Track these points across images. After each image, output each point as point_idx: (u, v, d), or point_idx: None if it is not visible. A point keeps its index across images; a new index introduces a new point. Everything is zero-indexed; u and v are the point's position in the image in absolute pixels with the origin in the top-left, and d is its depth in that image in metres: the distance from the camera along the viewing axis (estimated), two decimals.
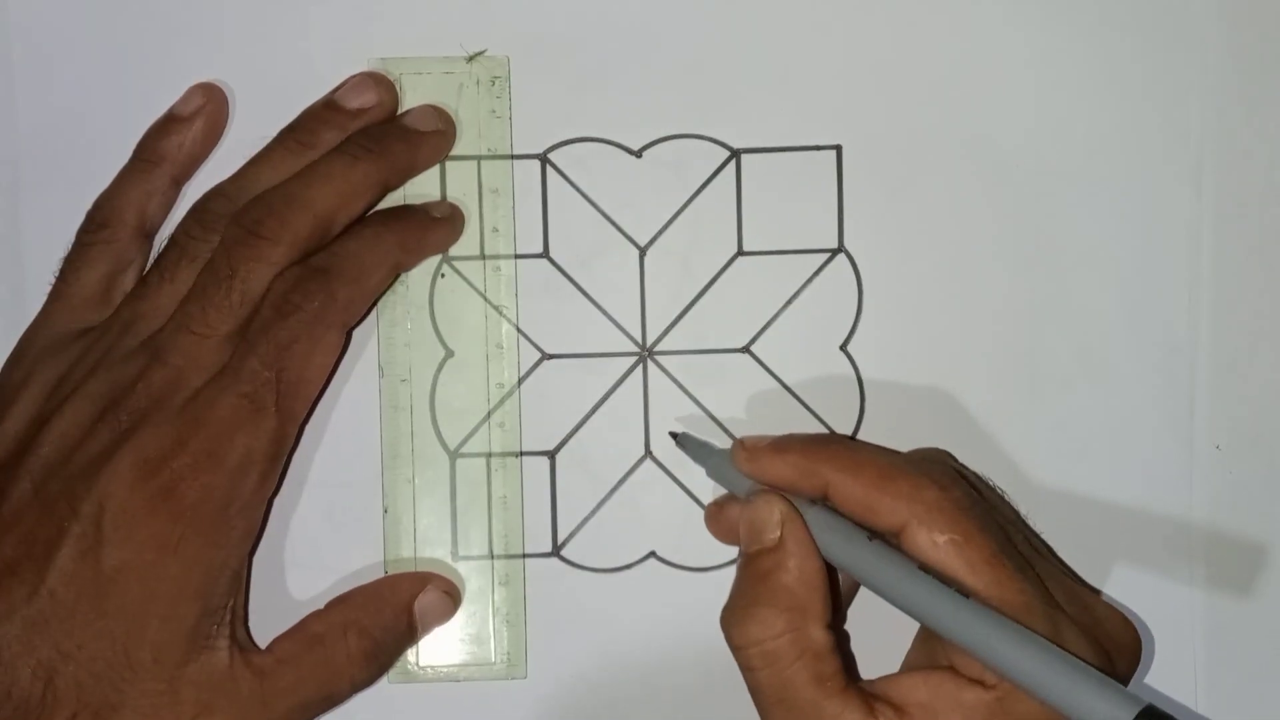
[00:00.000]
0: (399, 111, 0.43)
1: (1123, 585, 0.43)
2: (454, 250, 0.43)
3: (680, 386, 0.44)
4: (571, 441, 0.44)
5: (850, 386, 0.44)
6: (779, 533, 0.38)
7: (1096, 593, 0.42)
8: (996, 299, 0.43)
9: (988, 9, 0.43)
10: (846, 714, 0.37)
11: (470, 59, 0.43)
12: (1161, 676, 0.43)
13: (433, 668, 0.43)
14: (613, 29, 0.43)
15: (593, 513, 0.44)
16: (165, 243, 0.41)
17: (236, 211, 0.40)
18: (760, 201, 0.44)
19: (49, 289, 0.42)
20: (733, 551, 0.43)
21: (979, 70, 0.43)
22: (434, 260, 0.43)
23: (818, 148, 0.44)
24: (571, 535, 0.44)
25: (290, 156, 0.41)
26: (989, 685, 0.36)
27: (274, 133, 0.42)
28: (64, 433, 0.39)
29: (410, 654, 0.43)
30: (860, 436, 0.43)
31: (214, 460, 0.38)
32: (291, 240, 0.39)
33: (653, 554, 0.44)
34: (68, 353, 0.40)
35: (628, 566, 0.44)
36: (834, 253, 0.44)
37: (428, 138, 0.42)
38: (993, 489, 0.42)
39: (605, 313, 0.44)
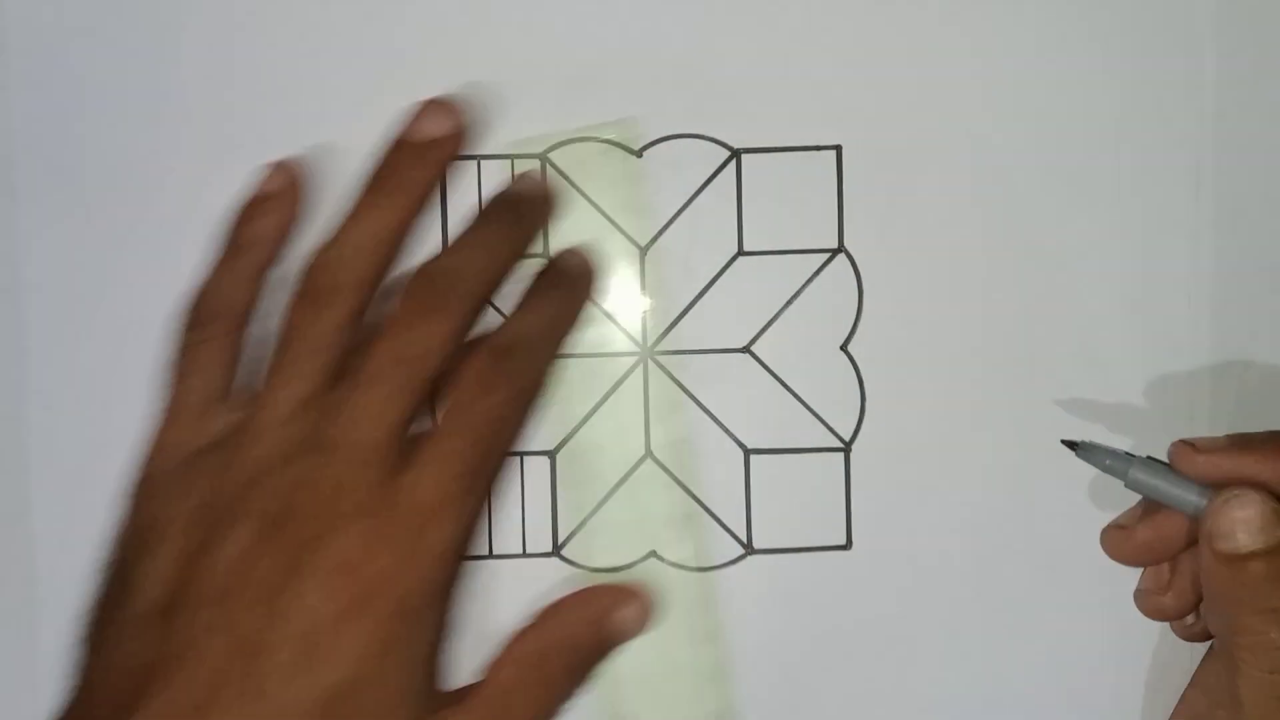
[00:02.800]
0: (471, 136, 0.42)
1: (1123, 585, 0.43)
2: None
3: (680, 386, 0.44)
4: (571, 441, 0.44)
5: (850, 386, 0.44)
6: None
7: None
8: (997, 299, 0.43)
9: (988, 9, 0.43)
10: None
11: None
12: (1163, 676, 0.43)
13: None
14: (613, 29, 0.43)
15: (593, 513, 0.44)
16: (280, 332, 0.38)
17: (402, 294, 0.37)
18: (760, 201, 0.44)
19: (158, 400, 0.40)
20: (733, 552, 0.43)
21: (979, 70, 0.43)
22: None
23: (818, 148, 0.44)
24: (571, 535, 0.44)
25: (382, 212, 0.39)
26: None
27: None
28: (235, 558, 0.35)
29: None
30: (860, 437, 0.43)
31: (417, 552, 0.35)
32: (460, 318, 0.37)
33: (653, 554, 0.44)
34: (202, 473, 0.37)
35: (628, 566, 0.44)
36: (834, 253, 0.44)
37: (550, 198, 0.41)
38: None
39: (605, 313, 0.44)
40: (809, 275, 0.44)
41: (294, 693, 0.34)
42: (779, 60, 0.43)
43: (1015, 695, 0.43)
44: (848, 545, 0.44)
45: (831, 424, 0.44)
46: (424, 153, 0.40)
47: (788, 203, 0.44)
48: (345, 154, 0.43)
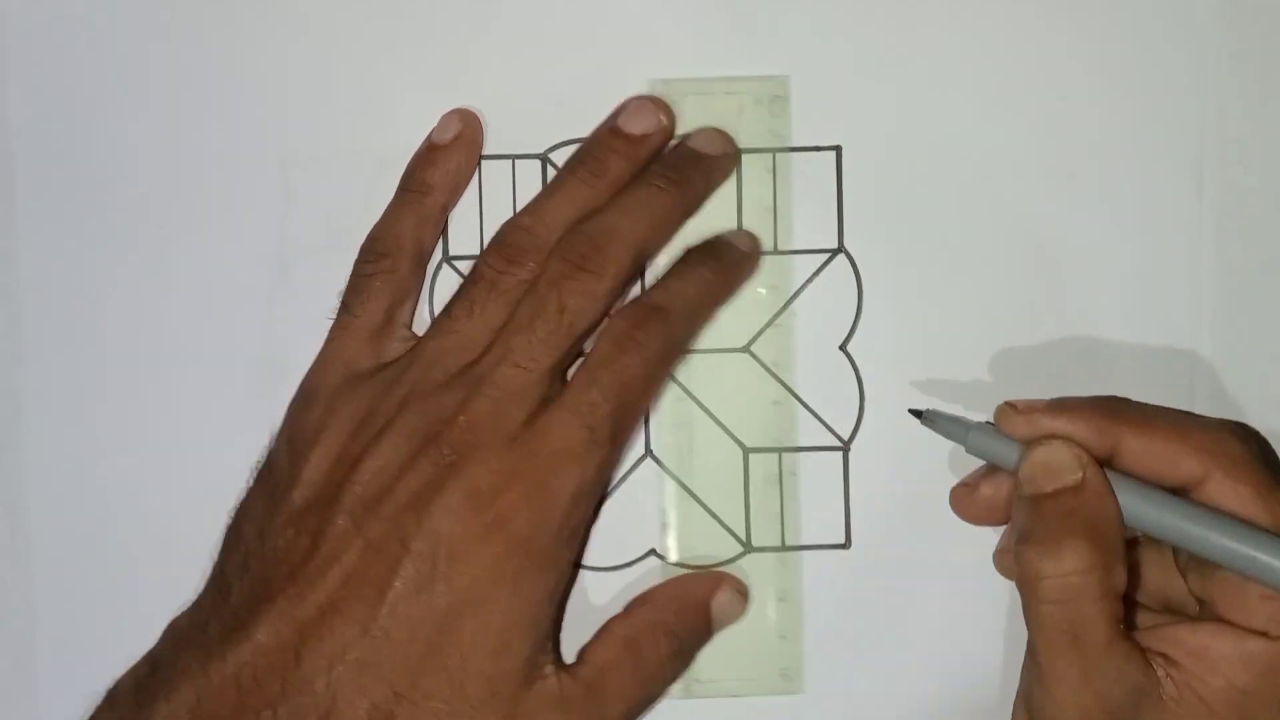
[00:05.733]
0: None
1: None
2: (454, 249, 0.44)
3: (680, 386, 0.44)
4: None
5: (850, 386, 0.44)
6: (1081, 474, 0.38)
7: None
8: (996, 299, 0.43)
9: (988, 9, 0.43)
10: (1131, 659, 0.37)
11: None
12: None
13: None
14: (613, 29, 0.43)
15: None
16: (469, 275, 0.41)
17: (559, 245, 0.40)
18: (761, 201, 0.44)
19: (331, 321, 0.42)
20: (732, 551, 0.43)
21: (979, 70, 0.43)
22: (434, 258, 0.43)
23: (818, 148, 0.44)
24: None
25: (584, 187, 0.41)
26: (1273, 636, 0.36)
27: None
28: (379, 469, 0.38)
29: None
30: (859, 437, 0.43)
31: (547, 491, 0.38)
32: (615, 274, 0.40)
33: (653, 553, 0.44)
34: (366, 389, 0.40)
35: (628, 565, 0.44)
36: (834, 253, 0.44)
37: (719, 162, 0.43)
38: None
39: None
40: (809, 275, 0.44)
41: (414, 606, 0.37)
42: (779, 61, 0.43)
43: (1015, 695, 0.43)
44: (847, 545, 0.44)
45: (831, 424, 0.44)
46: (630, 146, 0.42)
47: (788, 203, 0.44)
48: (346, 154, 0.43)
